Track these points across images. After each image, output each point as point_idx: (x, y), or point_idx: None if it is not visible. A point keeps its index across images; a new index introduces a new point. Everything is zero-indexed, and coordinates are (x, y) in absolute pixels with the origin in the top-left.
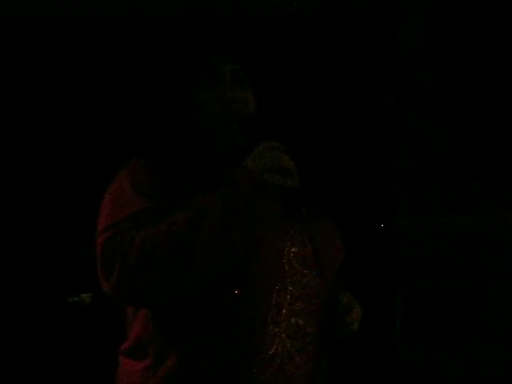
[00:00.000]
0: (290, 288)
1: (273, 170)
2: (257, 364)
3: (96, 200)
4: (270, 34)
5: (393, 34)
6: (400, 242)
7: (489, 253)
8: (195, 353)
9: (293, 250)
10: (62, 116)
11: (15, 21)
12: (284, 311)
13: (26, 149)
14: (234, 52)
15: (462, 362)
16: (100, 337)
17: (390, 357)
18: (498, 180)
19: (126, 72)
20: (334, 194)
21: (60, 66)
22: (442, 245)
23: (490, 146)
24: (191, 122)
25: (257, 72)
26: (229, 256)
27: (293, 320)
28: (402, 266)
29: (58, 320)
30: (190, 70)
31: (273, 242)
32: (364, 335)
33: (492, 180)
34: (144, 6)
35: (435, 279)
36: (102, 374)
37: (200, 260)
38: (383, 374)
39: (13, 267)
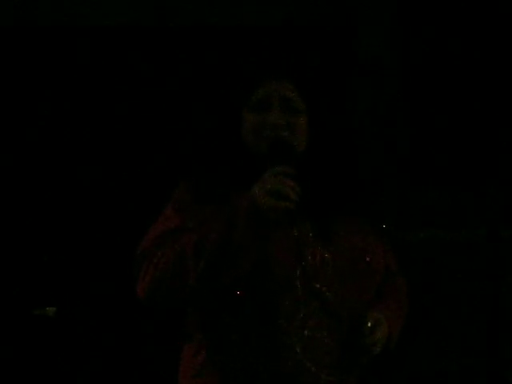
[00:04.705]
0: (303, 303)
1: (270, 194)
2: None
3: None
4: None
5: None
6: None
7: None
8: (219, 344)
9: (307, 267)
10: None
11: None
12: (295, 324)
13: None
14: (286, 76)
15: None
16: (64, 350)
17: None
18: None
19: (177, 86)
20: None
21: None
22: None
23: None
24: (239, 140)
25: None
26: (232, 272)
27: (306, 332)
28: None
29: (21, 333)
30: (244, 92)
31: (282, 258)
32: None
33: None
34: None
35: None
36: None
37: (203, 280)
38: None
39: None
